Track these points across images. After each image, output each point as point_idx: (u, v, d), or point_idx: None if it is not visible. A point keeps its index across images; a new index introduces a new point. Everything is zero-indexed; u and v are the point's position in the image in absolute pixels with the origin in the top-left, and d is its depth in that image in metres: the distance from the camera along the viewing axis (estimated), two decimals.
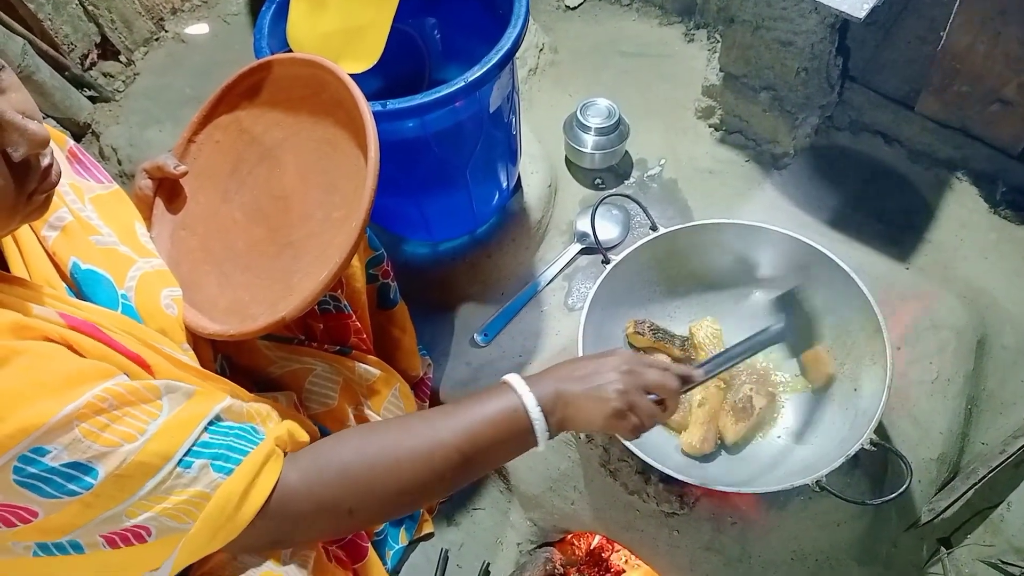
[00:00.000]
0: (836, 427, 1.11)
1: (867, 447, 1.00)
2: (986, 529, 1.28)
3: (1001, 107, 1.44)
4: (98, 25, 1.77)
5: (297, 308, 0.83)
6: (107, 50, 1.82)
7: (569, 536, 1.32)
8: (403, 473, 0.76)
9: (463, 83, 1.02)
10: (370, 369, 1.12)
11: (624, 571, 1.31)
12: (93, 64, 1.80)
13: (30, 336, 0.64)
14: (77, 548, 0.65)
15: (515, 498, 1.32)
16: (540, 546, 1.30)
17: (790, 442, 1.15)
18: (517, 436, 0.80)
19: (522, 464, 1.28)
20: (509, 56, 1.07)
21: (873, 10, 1.23)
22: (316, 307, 1.07)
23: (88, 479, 0.61)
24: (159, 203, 1.00)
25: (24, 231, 0.77)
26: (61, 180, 0.70)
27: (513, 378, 0.81)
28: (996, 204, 1.52)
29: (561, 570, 1.28)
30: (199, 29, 1.91)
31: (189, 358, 0.84)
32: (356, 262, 1.10)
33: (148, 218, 0.98)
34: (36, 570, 0.66)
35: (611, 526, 1.22)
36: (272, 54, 1.06)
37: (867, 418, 1.02)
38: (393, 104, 1.01)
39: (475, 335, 1.42)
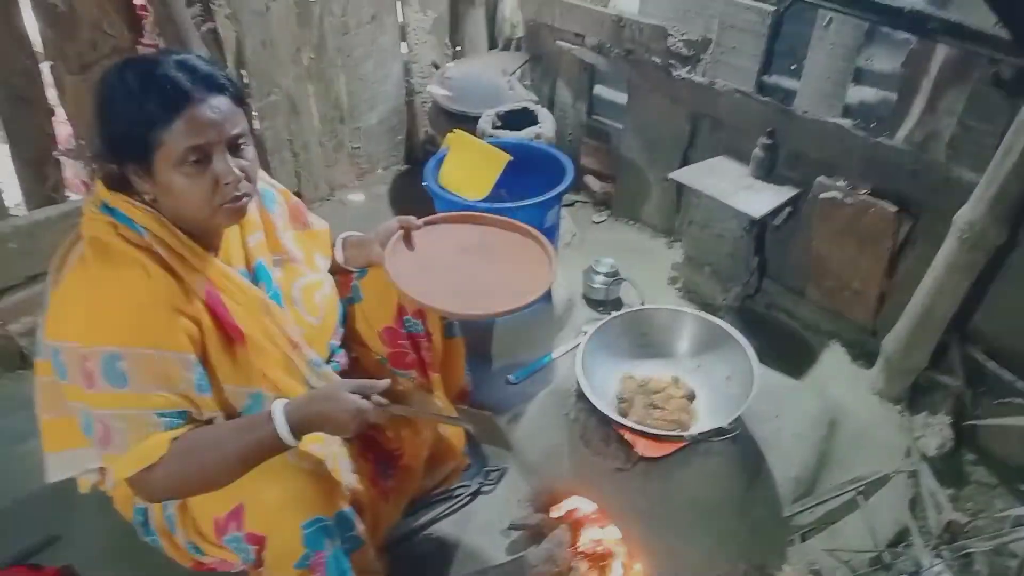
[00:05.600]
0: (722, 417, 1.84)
1: (732, 424, 1.75)
2: (829, 535, 1.92)
3: (853, 295, 2.32)
4: (299, 181, 2.82)
5: (488, 314, 1.59)
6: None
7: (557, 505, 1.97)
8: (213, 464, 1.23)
9: (544, 199, 1.98)
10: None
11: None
12: None
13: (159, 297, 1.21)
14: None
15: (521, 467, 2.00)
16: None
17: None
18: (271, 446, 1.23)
19: (527, 440, 1.98)
20: (562, 194, 2.03)
21: (777, 227, 2.18)
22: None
23: (123, 383, 1.15)
24: (401, 241, 1.63)
25: (234, 231, 1.36)
26: (279, 219, 1.46)
27: (277, 406, 1.23)
28: (855, 358, 2.34)
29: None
30: (357, 197, 2.96)
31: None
32: None
33: (383, 243, 1.60)
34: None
35: (582, 480, 1.89)
36: (430, 186, 2.03)
37: (736, 409, 1.77)
38: (503, 206, 1.94)
39: (509, 376, 2.19)
